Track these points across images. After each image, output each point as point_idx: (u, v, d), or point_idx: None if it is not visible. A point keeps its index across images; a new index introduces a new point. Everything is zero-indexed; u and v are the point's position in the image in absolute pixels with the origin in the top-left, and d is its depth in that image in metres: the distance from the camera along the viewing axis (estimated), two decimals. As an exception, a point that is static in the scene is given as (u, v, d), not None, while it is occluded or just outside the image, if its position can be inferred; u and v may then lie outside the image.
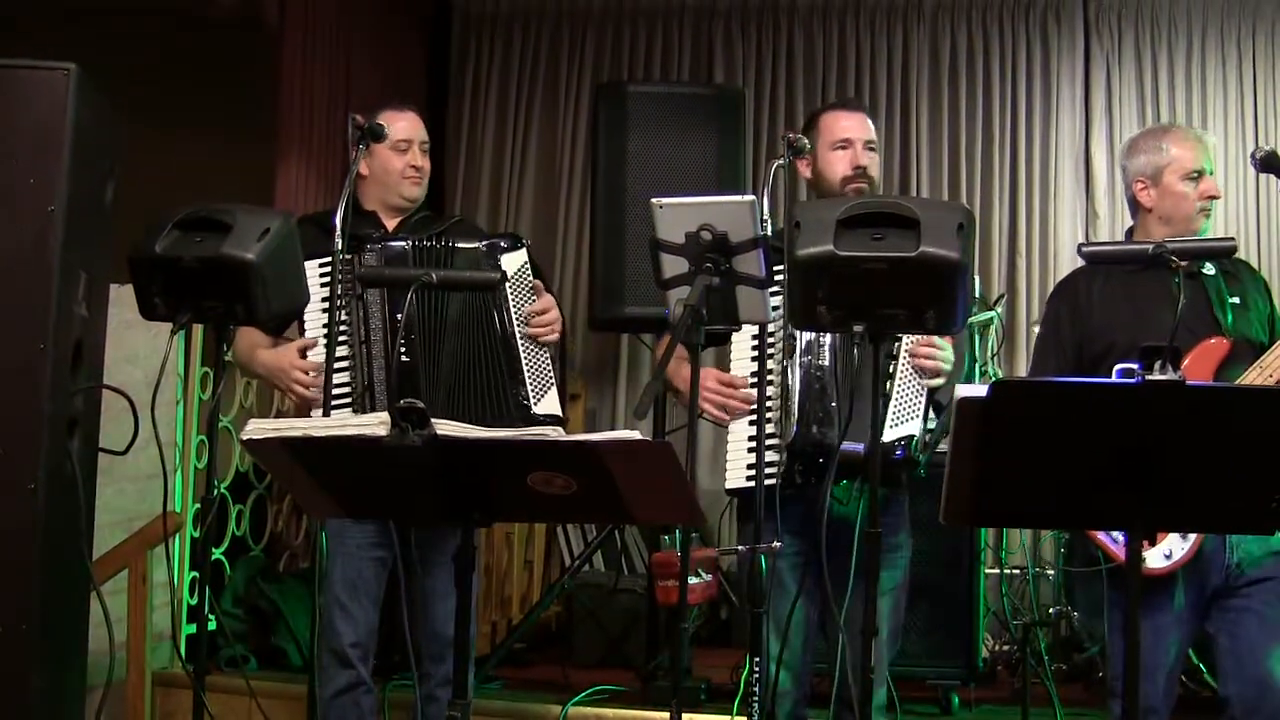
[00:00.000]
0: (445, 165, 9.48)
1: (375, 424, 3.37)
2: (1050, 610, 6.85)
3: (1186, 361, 4.42)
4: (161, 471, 4.21)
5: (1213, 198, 4.66)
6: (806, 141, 4.67)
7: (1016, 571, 7.38)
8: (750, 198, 3.95)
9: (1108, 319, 4.57)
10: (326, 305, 4.83)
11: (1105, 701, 4.66)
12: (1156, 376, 3.04)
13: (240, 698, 5.86)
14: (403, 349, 4.87)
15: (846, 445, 4.21)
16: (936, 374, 4.46)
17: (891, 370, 4.45)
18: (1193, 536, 4.37)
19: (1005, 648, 7.09)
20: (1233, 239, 4.56)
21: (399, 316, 4.89)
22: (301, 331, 4.95)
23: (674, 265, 4.00)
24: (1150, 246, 4.20)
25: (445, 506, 3.57)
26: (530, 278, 5.05)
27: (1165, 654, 4.46)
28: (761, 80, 9.60)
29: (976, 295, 4.69)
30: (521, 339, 4.96)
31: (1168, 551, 4.38)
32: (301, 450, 3.50)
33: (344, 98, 8.45)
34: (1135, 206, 4.75)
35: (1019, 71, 9.43)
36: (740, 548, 4.41)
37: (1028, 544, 7.22)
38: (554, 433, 3.43)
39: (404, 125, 5.24)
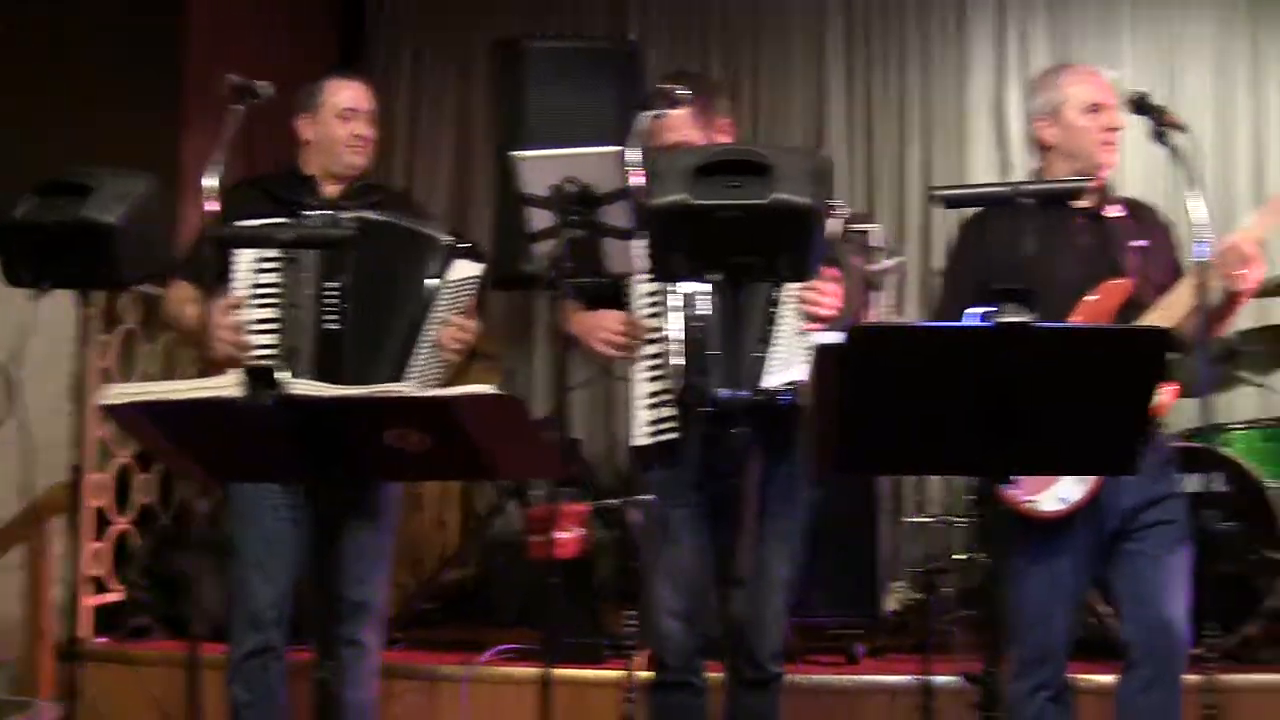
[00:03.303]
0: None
1: (229, 385, 3.33)
2: (960, 558, 6.85)
3: (1088, 302, 4.40)
4: (67, 441, 4.16)
5: (1115, 129, 4.62)
6: (688, 93, 4.60)
7: (931, 520, 7.38)
8: (616, 148, 3.90)
9: (1011, 258, 4.53)
10: (261, 266, 4.76)
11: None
12: (1007, 318, 3.02)
13: (150, 668, 5.82)
14: (330, 317, 4.79)
15: (730, 393, 4.19)
16: (821, 318, 4.41)
17: (774, 316, 4.41)
18: (1089, 480, 4.35)
19: (920, 597, 7.08)
20: (1087, 178, 4.53)
21: (330, 283, 4.82)
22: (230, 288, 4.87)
23: (541, 219, 3.95)
24: (1006, 187, 4.17)
25: (306, 467, 3.53)
26: (471, 294, 4.97)
27: (1062, 599, 4.47)
28: (676, 34, 9.54)
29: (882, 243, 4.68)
30: (430, 341, 4.88)
31: (1063, 495, 4.37)
32: (159, 414, 3.46)
33: (253, 67, 8.34)
34: (1040, 146, 4.71)
35: (933, 23, 9.41)
36: (614, 501, 4.40)
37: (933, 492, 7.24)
38: (404, 389, 3.40)
39: (349, 94, 5.18)
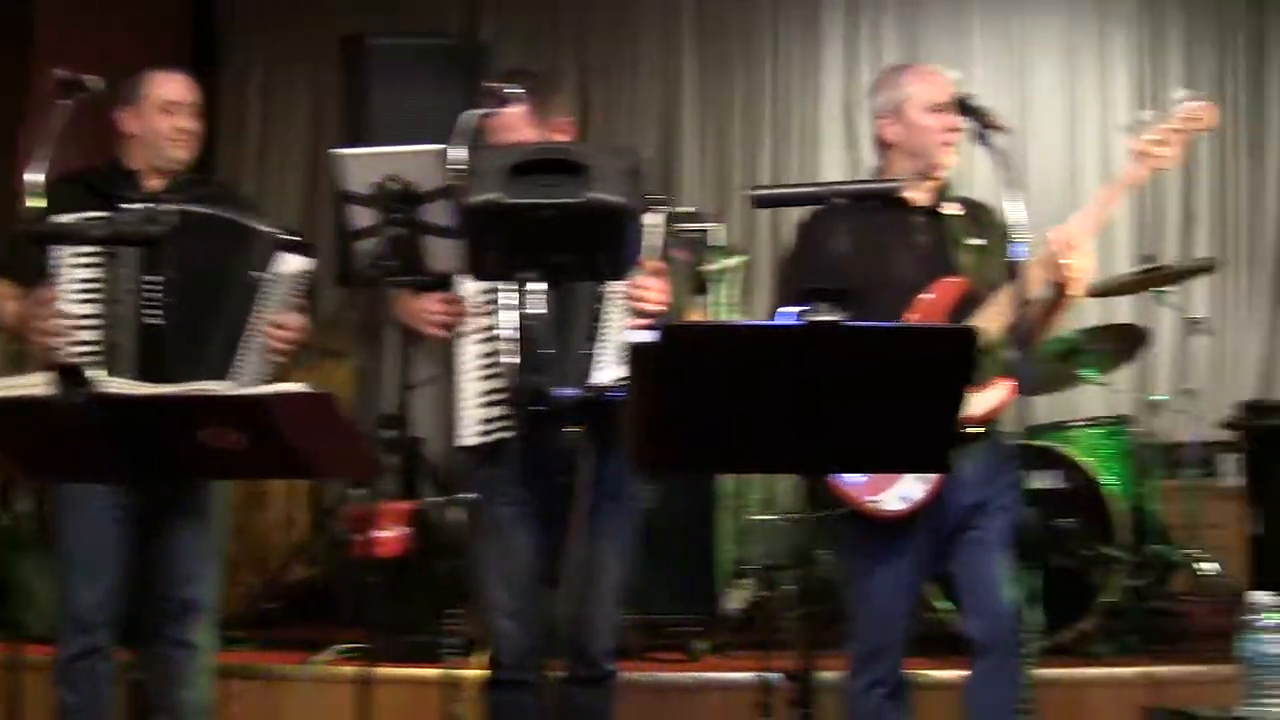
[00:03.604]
0: (216, 126, 9.32)
1: (40, 384, 3.30)
2: (802, 556, 6.88)
3: (924, 300, 4.44)
4: None
5: (955, 129, 4.64)
6: (517, 91, 4.60)
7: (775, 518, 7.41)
8: (438, 147, 3.89)
9: (849, 257, 4.55)
10: (79, 261, 4.69)
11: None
12: (818, 317, 3.04)
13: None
14: (152, 312, 4.73)
15: (560, 391, 4.19)
16: (648, 312, 4.42)
17: (600, 312, 4.42)
18: (931, 479, 4.38)
19: (762, 595, 7.12)
20: (900, 180, 4.57)
21: (151, 278, 4.75)
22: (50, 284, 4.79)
23: (364, 217, 3.94)
24: (817, 187, 4.19)
25: (122, 466, 3.50)
26: (300, 290, 4.91)
27: (901, 596, 4.51)
28: (529, 33, 9.57)
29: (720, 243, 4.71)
30: (257, 337, 4.82)
31: (905, 494, 4.40)
32: (-30, 413, 3.42)
33: (101, 64, 8.24)
34: (882, 145, 4.74)
35: (785, 22, 9.49)
36: (438, 500, 4.38)
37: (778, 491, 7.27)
38: (217, 387, 3.37)
39: (173, 87, 5.09)
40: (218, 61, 9.63)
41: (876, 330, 3.25)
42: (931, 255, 4.55)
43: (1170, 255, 9.05)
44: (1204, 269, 7.95)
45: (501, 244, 3.62)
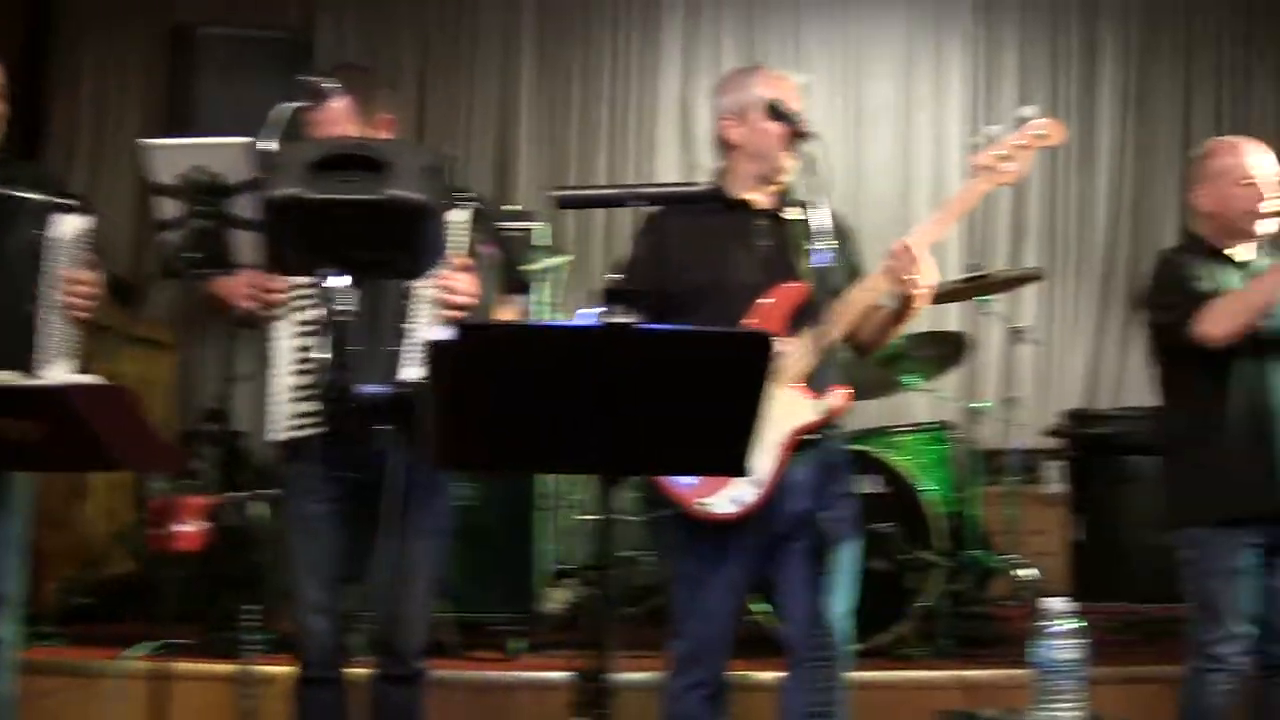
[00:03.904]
0: (48, 117, 9.20)
1: None
2: (623, 556, 6.91)
3: (763, 305, 4.44)
4: None
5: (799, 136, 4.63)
6: (337, 85, 4.57)
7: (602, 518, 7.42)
8: (247, 139, 3.87)
9: (689, 259, 4.56)
10: None
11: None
12: (612, 319, 3.05)
13: None
14: None
15: (368, 388, 4.17)
16: (456, 310, 4.40)
17: (408, 309, 4.40)
18: (765, 483, 4.39)
19: (583, 595, 7.14)
20: (715, 186, 4.58)
21: None
22: None
23: (170, 209, 3.90)
24: (622, 189, 4.20)
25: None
26: (85, 248, 4.80)
27: (727, 599, 4.51)
28: (365, 29, 9.53)
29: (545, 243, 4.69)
30: (49, 303, 4.71)
31: (736, 497, 4.39)
32: None
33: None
34: (725, 146, 4.71)
35: (624, 25, 9.51)
36: (240, 495, 4.35)
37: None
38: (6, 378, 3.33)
39: None
40: (50, 51, 9.47)
41: (670, 333, 3.26)
42: (772, 259, 4.51)
43: (1000, 265, 9.21)
44: (1030, 278, 8.06)
45: (301, 239, 3.59)
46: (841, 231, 4.70)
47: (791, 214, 4.56)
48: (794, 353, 4.41)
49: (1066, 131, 4.71)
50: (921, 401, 8.33)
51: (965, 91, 9.83)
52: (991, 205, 9.47)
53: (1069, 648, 4.07)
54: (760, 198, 4.62)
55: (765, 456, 4.35)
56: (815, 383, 4.46)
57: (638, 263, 4.70)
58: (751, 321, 4.41)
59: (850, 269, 4.67)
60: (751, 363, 3.24)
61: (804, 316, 4.48)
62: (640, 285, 4.59)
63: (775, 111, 4.45)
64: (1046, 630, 4.10)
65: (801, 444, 4.44)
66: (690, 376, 3.21)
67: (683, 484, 4.43)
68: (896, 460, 6.60)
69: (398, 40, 9.53)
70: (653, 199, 4.04)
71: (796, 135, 4.38)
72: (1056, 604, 4.15)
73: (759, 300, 4.47)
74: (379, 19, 9.54)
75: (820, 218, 4.21)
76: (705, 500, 4.39)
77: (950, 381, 8.19)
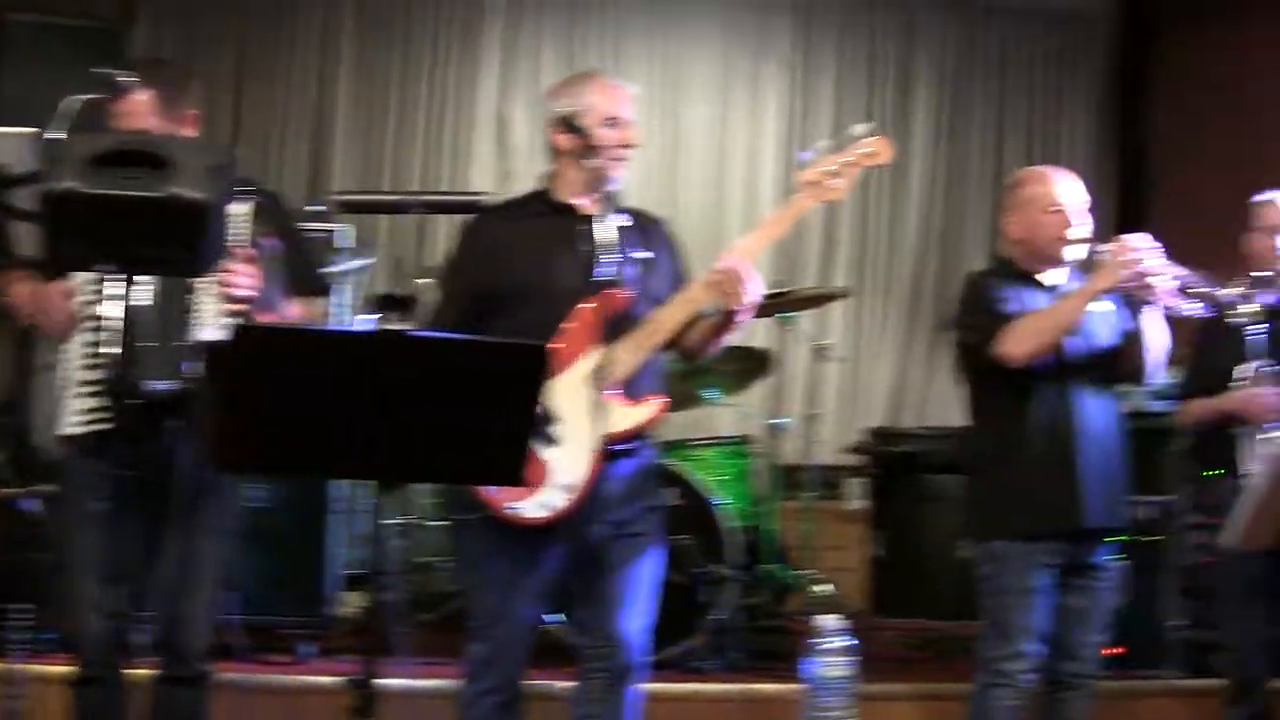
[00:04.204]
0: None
1: None
2: (420, 561, 6.91)
3: (582, 310, 4.42)
4: None
5: (630, 145, 4.61)
6: (135, 79, 4.52)
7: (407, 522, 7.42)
8: (33, 130, 3.81)
9: (512, 261, 4.54)
10: None
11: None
12: (386, 325, 3.06)
13: None
14: None
15: (154, 384, 4.14)
16: (238, 302, 4.35)
17: (194, 303, 4.35)
18: (577, 489, 4.37)
19: (380, 599, 7.10)
20: (482, 194, 4.59)
21: None
22: None
23: (-50, 200, 3.84)
24: (400, 196, 4.18)
25: None
26: None
27: (528, 606, 4.48)
28: (185, 22, 9.42)
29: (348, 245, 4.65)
30: None
31: (547, 502, 4.37)
32: None
33: None
34: (555, 151, 4.67)
35: (443, 33, 9.50)
36: (15, 491, 4.28)
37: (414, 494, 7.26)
38: None
39: None
40: None
41: (442, 341, 3.28)
42: (596, 265, 4.51)
43: (810, 282, 9.34)
44: (835, 296, 8.16)
45: (78, 234, 3.55)
46: (669, 241, 4.73)
47: (617, 221, 4.58)
48: (612, 359, 4.44)
49: (894, 151, 4.76)
50: (725, 416, 8.41)
51: (781, 115, 9.98)
52: (803, 223, 9.52)
53: (839, 665, 4.12)
54: (587, 204, 4.60)
55: (578, 463, 4.36)
56: (632, 391, 4.48)
57: (457, 264, 4.68)
58: (571, 326, 4.41)
59: (675, 278, 4.69)
60: (525, 374, 3.26)
61: (624, 323, 4.50)
62: (459, 287, 4.59)
63: (568, 124, 4.46)
64: (818, 648, 4.15)
65: (615, 452, 4.45)
66: (464, 385, 3.23)
67: (494, 488, 4.40)
68: (693, 473, 6.64)
69: (216, 39, 9.43)
70: (431, 207, 4.02)
71: (588, 148, 4.40)
72: (829, 622, 4.20)
73: (579, 305, 4.47)
74: (198, 17, 9.42)
75: (606, 231, 4.23)
76: (515, 505, 4.36)
77: (755, 396, 8.25)
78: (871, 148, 4.66)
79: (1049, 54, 10.44)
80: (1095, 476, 5.01)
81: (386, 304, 3.09)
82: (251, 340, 3.16)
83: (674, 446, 6.95)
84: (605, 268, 4.51)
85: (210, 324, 4.37)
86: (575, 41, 9.65)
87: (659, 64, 9.66)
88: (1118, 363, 5.13)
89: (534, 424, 3.34)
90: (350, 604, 6.86)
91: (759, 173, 9.80)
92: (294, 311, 4.53)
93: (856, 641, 4.20)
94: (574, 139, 4.58)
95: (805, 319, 8.37)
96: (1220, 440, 5.52)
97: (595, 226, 4.55)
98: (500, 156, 9.40)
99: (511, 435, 3.35)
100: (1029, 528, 5.00)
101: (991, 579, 5.06)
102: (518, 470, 3.42)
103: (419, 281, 7.46)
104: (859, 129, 4.69)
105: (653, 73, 9.64)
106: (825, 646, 4.14)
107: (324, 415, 3.22)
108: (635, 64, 9.56)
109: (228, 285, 4.29)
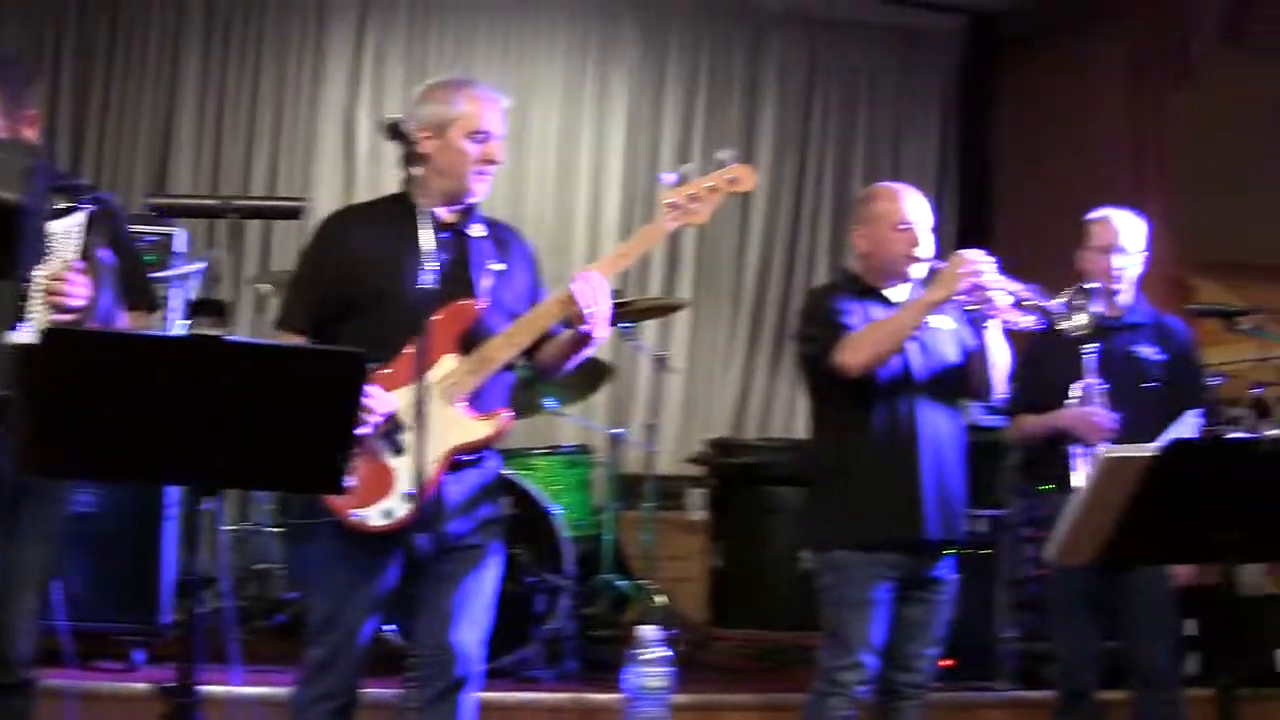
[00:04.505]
0: None
1: None
2: (258, 568, 6.84)
3: (435, 321, 4.32)
4: None
5: (493, 162, 4.53)
6: None
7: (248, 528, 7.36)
8: None
9: (366, 266, 4.47)
10: None
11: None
12: (200, 331, 3.02)
13: None
14: None
15: None
16: (67, 312, 4.26)
17: (23, 309, 4.25)
18: (420, 498, 4.27)
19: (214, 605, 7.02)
20: (300, 201, 4.52)
21: None
22: None
23: None
24: (216, 200, 4.10)
25: None
26: None
27: (367, 612, 4.43)
28: (27, 18, 9.23)
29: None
30: None
31: (389, 510, 4.32)
32: None
33: None
34: (418, 156, 4.44)
35: (292, 29, 9.44)
36: None
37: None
38: None
39: None
40: None
41: (258, 348, 3.24)
42: (452, 276, 4.43)
43: (655, 293, 9.36)
44: (674, 307, 8.19)
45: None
46: (526, 253, 4.70)
47: (475, 231, 4.56)
48: (461, 370, 4.41)
49: (756, 179, 4.76)
50: (564, 425, 8.40)
51: (628, 124, 9.95)
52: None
53: (657, 675, 4.12)
54: (445, 212, 4.54)
55: (423, 473, 4.25)
56: (480, 403, 4.45)
57: (309, 264, 4.62)
58: (423, 334, 4.33)
59: (531, 292, 4.66)
60: (343, 382, 3.24)
61: (477, 335, 4.47)
62: (309, 288, 4.53)
63: (394, 131, 4.40)
64: (637, 658, 4.15)
65: (460, 463, 4.42)
66: (280, 391, 3.21)
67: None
68: (529, 482, 6.63)
69: (59, 38, 9.25)
70: (245, 212, 3.95)
71: (413, 156, 4.36)
72: (649, 632, 4.20)
73: (433, 316, 4.35)
74: (39, 15, 9.24)
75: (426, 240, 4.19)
76: (359, 512, 4.32)
77: (595, 406, 8.27)
78: (735, 174, 4.64)
79: (897, 70, 10.53)
80: (936, 489, 5.04)
81: (203, 309, 3.05)
82: (59, 343, 3.12)
83: (512, 455, 6.92)
84: (461, 277, 4.48)
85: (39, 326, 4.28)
86: (428, 45, 9.59)
87: (507, 73, 9.58)
88: (963, 379, 5.17)
89: (352, 432, 3.30)
90: (183, 610, 6.75)
91: (605, 182, 9.80)
92: (124, 324, 4.44)
93: (673, 653, 4.19)
94: (438, 146, 4.53)
95: (648, 329, 8.42)
96: (1052, 456, 5.60)
97: (452, 235, 4.52)
98: (345, 160, 9.33)
99: (329, 443, 3.33)
100: (869, 538, 5.00)
101: (831, 589, 5.06)
102: (336, 478, 3.41)
103: (259, 286, 7.45)
104: (723, 154, 4.67)
105: (498, 82, 9.54)
106: (645, 657, 4.14)
107: (133, 419, 3.18)
108: (482, 67, 9.46)
109: (57, 295, 4.20)
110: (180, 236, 6.28)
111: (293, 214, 4.48)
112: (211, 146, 9.29)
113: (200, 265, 6.35)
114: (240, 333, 7.58)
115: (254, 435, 3.24)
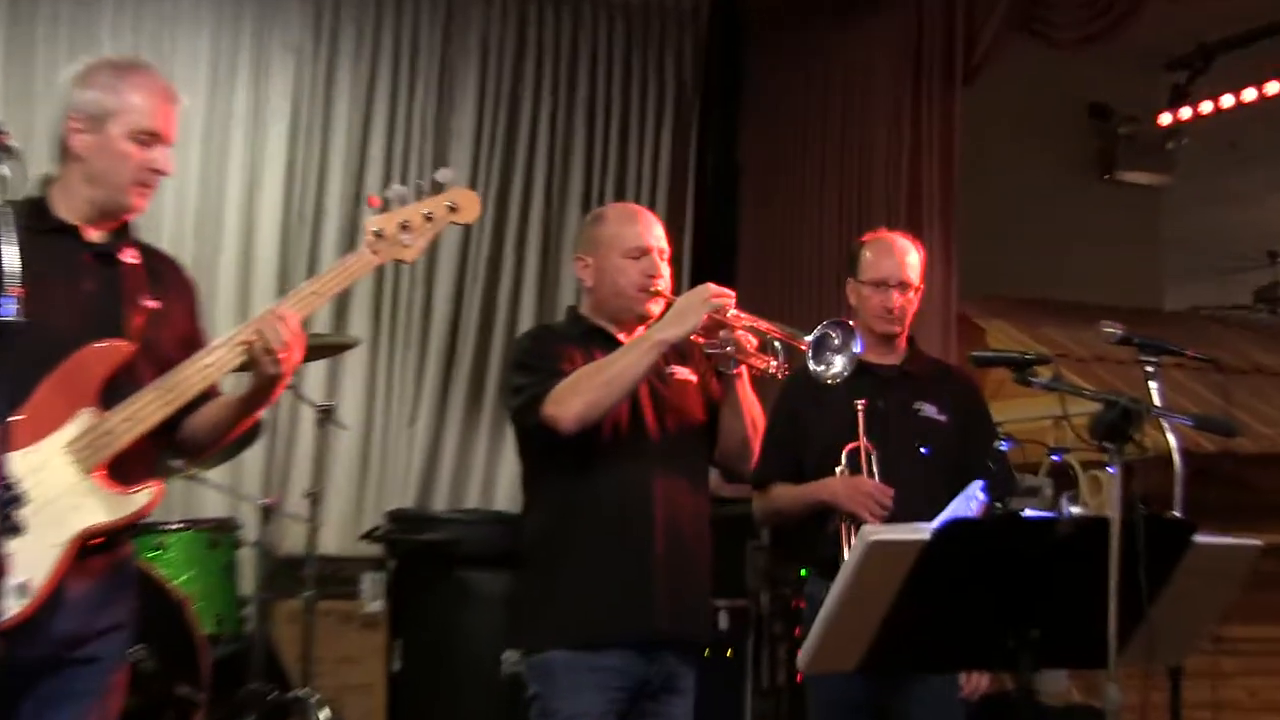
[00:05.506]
0: None
1: None
2: None
3: (71, 363, 4.17)
4: None
5: (160, 173, 4.33)
6: None
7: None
8: None
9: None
10: None
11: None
12: None
13: None
14: None
15: None
16: None
17: None
18: (36, 593, 4.05)
19: None
20: (37, 197, 4.27)
21: None
22: None
23: None
24: None
25: None
26: None
27: None
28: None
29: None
30: None
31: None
32: None
33: None
34: (64, 152, 4.33)
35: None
36: None
37: None
38: None
39: None
40: None
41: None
42: (100, 309, 4.28)
43: (317, 328, 9.14)
44: (346, 346, 8.07)
45: None
46: (186, 288, 4.53)
47: (127, 258, 4.38)
48: (104, 431, 4.17)
49: (480, 208, 4.63)
50: (207, 494, 8.20)
51: (291, 115, 9.78)
52: (315, 260, 9.41)
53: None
54: (92, 231, 4.35)
55: (43, 560, 4.07)
56: (124, 472, 4.23)
57: None
58: (55, 380, 4.16)
59: (191, 335, 4.49)
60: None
61: (123, 386, 4.25)
62: None
63: (90, 122, 4.22)
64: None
65: (88, 549, 4.20)
66: None
67: None
68: (156, 567, 6.42)
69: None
70: None
71: (105, 161, 4.20)
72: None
73: (70, 356, 4.18)
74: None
75: (10, 256, 3.95)
76: None
77: (246, 469, 8.10)
78: (455, 200, 4.53)
79: (624, 52, 10.54)
80: (671, 575, 4.97)
81: None
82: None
83: (136, 532, 6.70)
84: (107, 312, 4.30)
85: None
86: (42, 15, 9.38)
87: (145, 44, 9.40)
88: (710, 442, 5.13)
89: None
90: None
91: (260, 179, 9.60)
92: None
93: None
94: (92, 143, 4.31)
95: (311, 373, 8.24)
96: (812, 534, 5.56)
97: (100, 261, 4.35)
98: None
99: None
100: (590, 636, 4.97)
101: (542, 699, 5.02)
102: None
103: None
104: (442, 174, 4.58)
105: (136, 50, 9.36)
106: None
107: None
108: (108, 40, 9.29)
109: None
110: None
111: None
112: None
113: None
114: None
115: None
